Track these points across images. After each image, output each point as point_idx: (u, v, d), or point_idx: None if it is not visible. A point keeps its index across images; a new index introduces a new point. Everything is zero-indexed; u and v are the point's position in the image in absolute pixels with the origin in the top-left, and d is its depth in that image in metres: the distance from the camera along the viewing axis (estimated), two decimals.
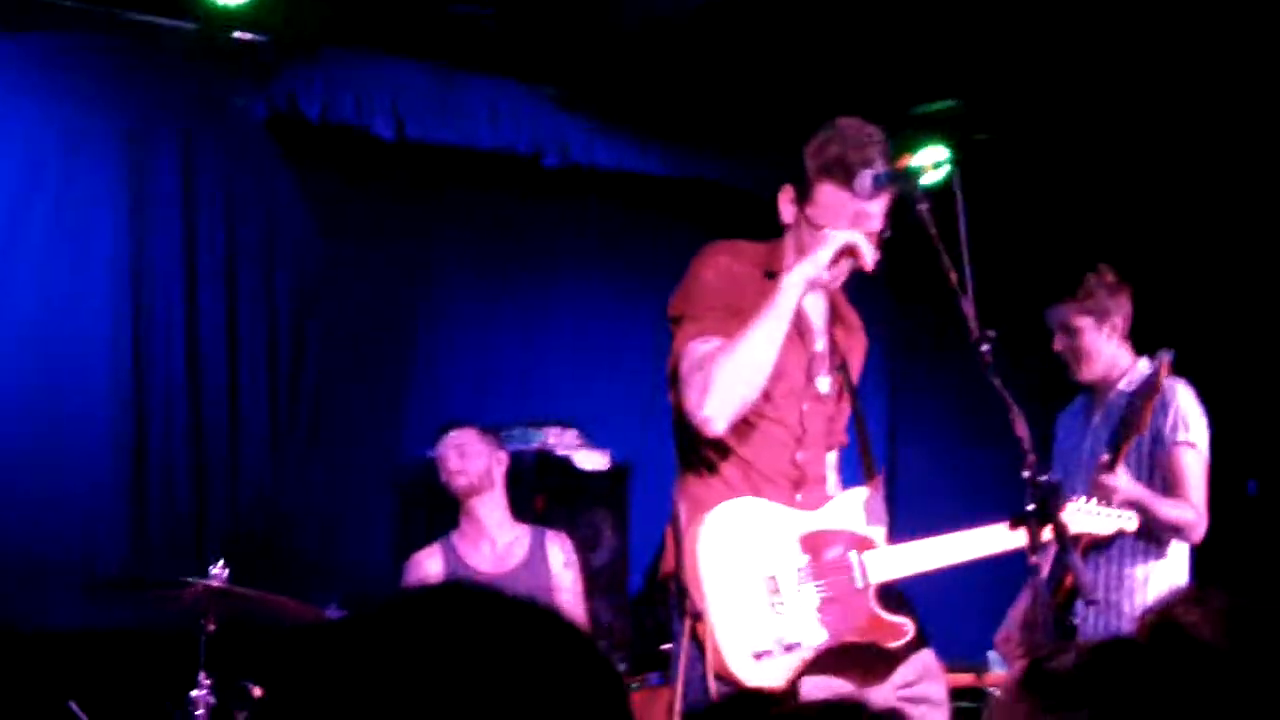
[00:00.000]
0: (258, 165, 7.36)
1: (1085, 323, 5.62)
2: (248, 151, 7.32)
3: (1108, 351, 5.65)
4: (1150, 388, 5.28)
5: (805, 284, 4.14)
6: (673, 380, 4.28)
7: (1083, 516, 4.94)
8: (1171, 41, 7.30)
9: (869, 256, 4.16)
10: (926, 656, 4.23)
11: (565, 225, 8.30)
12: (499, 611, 1.21)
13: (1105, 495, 5.16)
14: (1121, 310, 5.66)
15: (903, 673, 4.09)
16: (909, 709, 3.69)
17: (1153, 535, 5.48)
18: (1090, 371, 5.69)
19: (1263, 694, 1.36)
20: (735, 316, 4.22)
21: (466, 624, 1.17)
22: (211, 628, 5.36)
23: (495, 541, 6.29)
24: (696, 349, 4.20)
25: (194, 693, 5.27)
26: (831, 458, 4.53)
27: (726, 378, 4.11)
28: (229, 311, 7.21)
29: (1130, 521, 5.14)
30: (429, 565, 6.21)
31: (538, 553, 6.26)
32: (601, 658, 1.23)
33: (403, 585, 6.16)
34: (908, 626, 4.26)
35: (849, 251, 4.16)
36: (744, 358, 4.11)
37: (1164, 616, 1.47)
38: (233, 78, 7.17)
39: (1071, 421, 5.86)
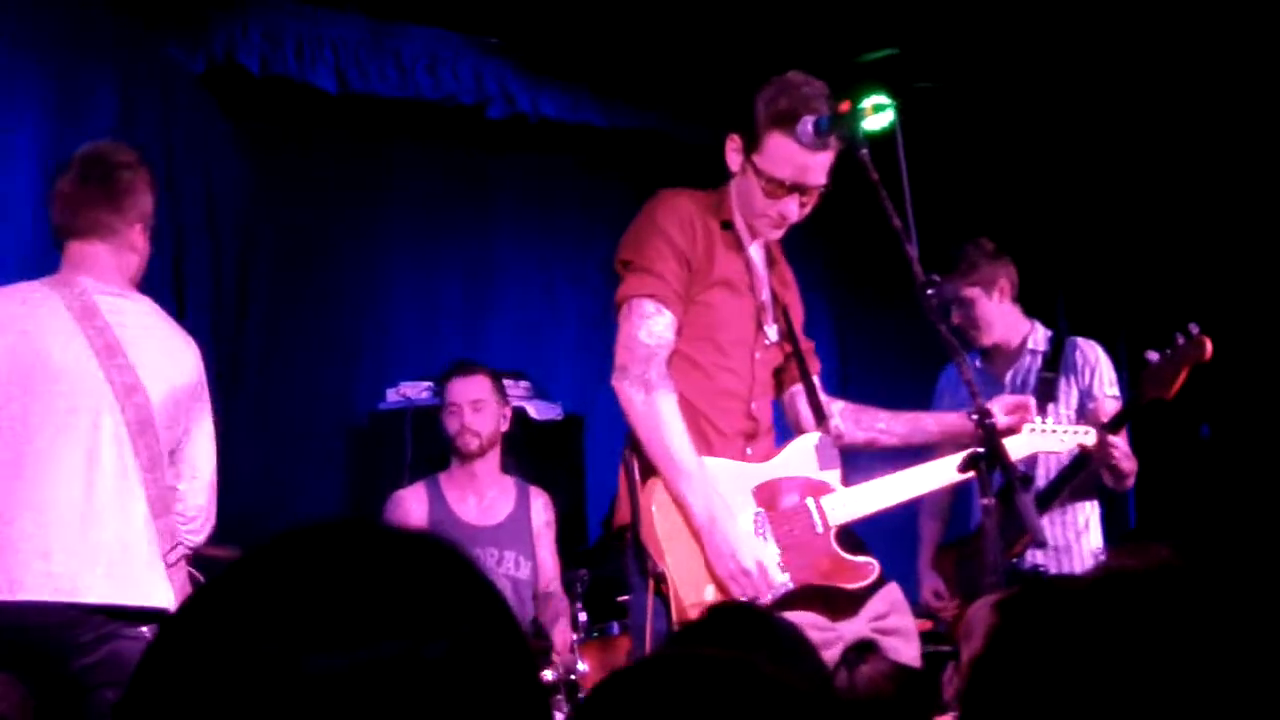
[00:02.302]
0: (196, 118, 7.29)
1: (975, 293, 5.87)
2: (185, 104, 7.25)
3: (1001, 316, 5.90)
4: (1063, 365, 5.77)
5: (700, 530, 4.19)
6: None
7: (1039, 437, 4.97)
8: None
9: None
10: (894, 590, 4.31)
11: (510, 176, 8.29)
12: (381, 543, 1.17)
13: (1106, 454, 5.32)
14: (1005, 274, 5.92)
15: (874, 606, 4.17)
16: (882, 640, 3.79)
17: (1090, 480, 5.63)
18: (990, 337, 5.95)
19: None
20: (686, 270, 4.28)
21: (346, 555, 1.14)
22: None
23: (483, 494, 6.14)
24: (644, 308, 4.26)
25: None
26: (815, 381, 4.63)
27: (651, 441, 4.18)
28: (174, 265, 7.16)
29: (1088, 436, 5.20)
30: (412, 506, 6.04)
31: (522, 508, 6.16)
32: (493, 591, 1.17)
33: (383, 521, 5.84)
34: (872, 565, 4.34)
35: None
36: (655, 451, 4.18)
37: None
38: (168, 31, 7.11)
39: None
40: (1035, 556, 5.49)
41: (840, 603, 4.22)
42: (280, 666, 1.06)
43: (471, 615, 1.14)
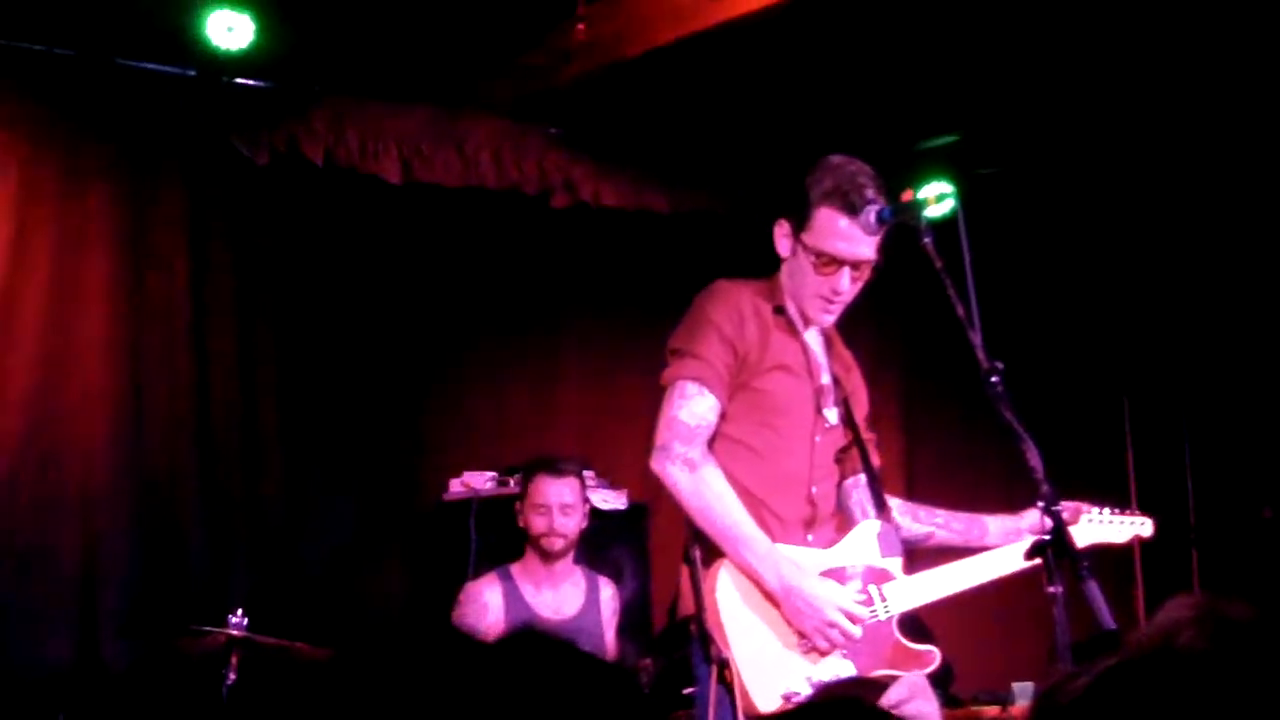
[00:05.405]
0: (261, 210, 7.39)
1: None
2: (251, 196, 7.35)
3: None
4: None
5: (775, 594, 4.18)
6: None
7: (1097, 527, 4.86)
8: (1169, 75, 7.28)
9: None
10: (914, 676, 4.29)
11: (574, 264, 8.30)
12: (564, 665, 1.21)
13: None
14: None
15: (894, 693, 4.15)
16: None
17: None
18: None
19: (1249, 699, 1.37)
20: (733, 357, 4.29)
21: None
22: (232, 677, 5.33)
23: (558, 587, 6.12)
24: (686, 389, 4.27)
25: None
26: (863, 479, 4.59)
27: (706, 516, 4.18)
28: (240, 354, 7.22)
29: (1145, 527, 5.08)
30: (488, 597, 5.99)
31: (592, 599, 6.15)
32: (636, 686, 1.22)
33: (458, 613, 5.95)
34: (934, 654, 4.31)
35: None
36: (711, 527, 4.17)
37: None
38: (234, 123, 7.20)
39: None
40: None
41: (872, 689, 4.20)
42: None
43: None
